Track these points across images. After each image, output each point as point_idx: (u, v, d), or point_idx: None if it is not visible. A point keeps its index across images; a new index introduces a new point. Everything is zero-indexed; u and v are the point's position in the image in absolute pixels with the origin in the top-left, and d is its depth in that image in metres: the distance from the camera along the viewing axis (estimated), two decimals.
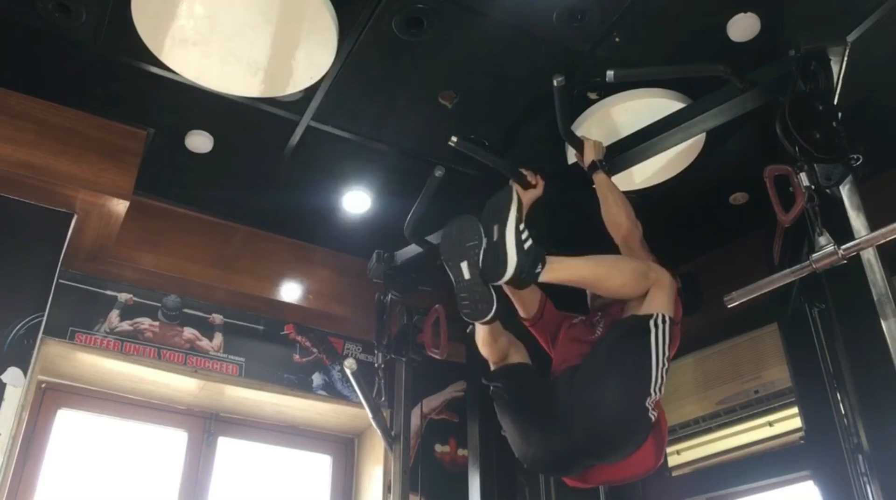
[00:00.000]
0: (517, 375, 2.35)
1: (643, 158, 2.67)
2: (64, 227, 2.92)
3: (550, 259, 2.07)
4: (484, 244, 2.04)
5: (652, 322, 2.14)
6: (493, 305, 2.03)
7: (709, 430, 3.59)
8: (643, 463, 2.20)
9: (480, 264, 2.02)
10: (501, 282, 2.02)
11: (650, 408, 2.12)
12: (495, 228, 2.05)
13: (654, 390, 2.12)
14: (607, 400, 2.10)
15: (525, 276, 2.02)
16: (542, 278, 2.06)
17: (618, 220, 2.43)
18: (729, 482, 3.45)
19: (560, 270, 2.11)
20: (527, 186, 2.67)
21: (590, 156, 2.57)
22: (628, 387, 2.11)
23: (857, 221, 1.88)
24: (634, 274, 2.21)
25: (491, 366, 2.41)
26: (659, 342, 2.13)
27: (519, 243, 2.03)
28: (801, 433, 3.17)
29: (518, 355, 2.41)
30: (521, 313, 2.50)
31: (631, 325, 2.18)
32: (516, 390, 2.32)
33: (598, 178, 2.53)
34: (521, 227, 2.07)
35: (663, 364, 2.14)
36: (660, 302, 2.19)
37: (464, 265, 2.07)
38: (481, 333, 2.35)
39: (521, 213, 2.07)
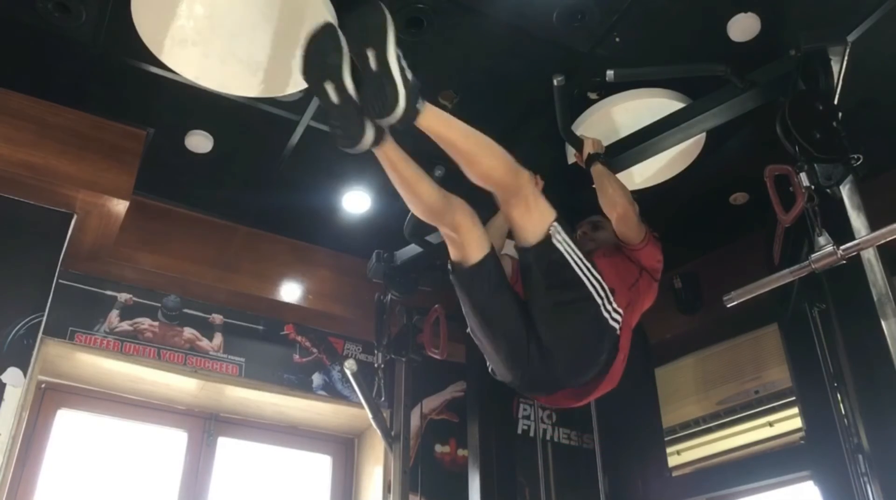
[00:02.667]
0: (482, 280, 2.09)
1: (643, 157, 2.66)
2: (64, 227, 2.92)
3: (428, 104, 1.89)
4: (346, 63, 1.82)
5: (553, 240, 2.01)
6: (365, 130, 1.83)
7: (709, 430, 3.60)
8: (613, 379, 2.20)
9: (358, 95, 1.82)
10: (392, 120, 1.82)
11: (608, 318, 2.07)
12: (370, 53, 1.81)
13: (599, 295, 2.04)
14: (564, 331, 2.05)
15: (411, 109, 1.82)
16: (420, 120, 1.87)
17: (614, 199, 2.37)
18: (729, 482, 3.45)
19: (436, 116, 1.92)
20: None
21: (588, 150, 2.56)
22: (574, 307, 2.05)
23: (858, 221, 1.88)
24: (506, 161, 2.02)
25: (450, 253, 2.14)
26: (570, 253, 2.03)
27: (403, 72, 1.83)
28: (801, 434, 3.17)
29: (476, 244, 2.09)
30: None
31: (537, 252, 2.03)
32: (483, 301, 2.10)
33: (596, 169, 2.49)
34: (400, 52, 1.84)
35: (590, 276, 2.04)
36: (542, 211, 2.04)
37: (329, 87, 1.83)
38: (403, 188, 2.05)
39: (395, 35, 1.84)
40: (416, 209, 2.11)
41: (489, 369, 2.23)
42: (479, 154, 2.00)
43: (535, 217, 2.04)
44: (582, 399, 2.30)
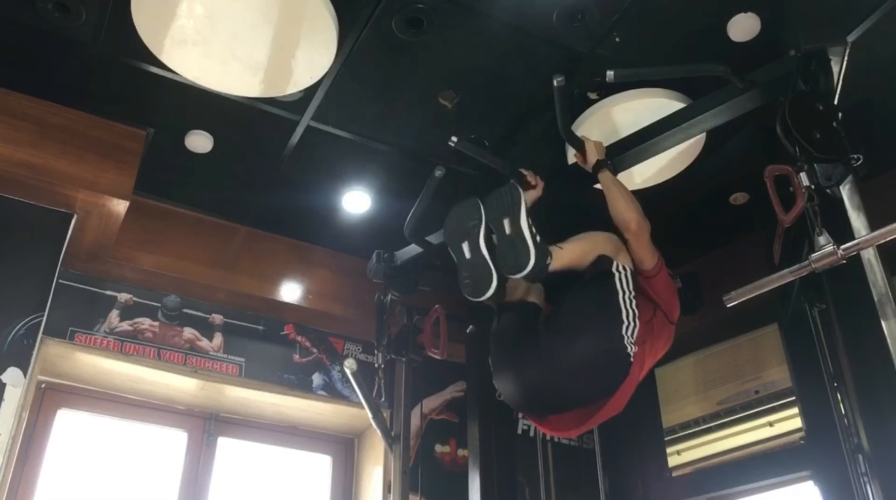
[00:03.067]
0: (521, 311, 2.43)
1: (643, 158, 2.66)
2: (64, 227, 2.92)
3: (552, 249, 2.21)
4: (482, 229, 2.20)
5: (614, 267, 2.29)
6: (492, 281, 2.18)
7: (709, 430, 3.59)
8: (618, 404, 2.29)
9: (490, 256, 2.19)
10: (522, 275, 2.14)
11: (627, 345, 2.20)
12: (506, 221, 2.18)
13: (626, 332, 2.21)
14: (579, 335, 2.23)
15: (541, 268, 2.15)
16: (551, 268, 2.19)
17: (626, 217, 2.42)
18: (729, 482, 3.45)
19: (559, 258, 2.24)
20: (527, 186, 2.66)
21: (594, 156, 2.56)
22: (599, 321, 2.23)
23: (858, 221, 1.88)
24: (610, 241, 2.37)
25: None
26: (623, 283, 2.27)
27: (533, 235, 2.18)
28: (801, 434, 3.17)
29: (534, 296, 2.48)
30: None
31: (595, 269, 2.31)
32: (510, 324, 2.42)
33: (604, 176, 2.52)
34: (530, 221, 2.21)
35: (631, 308, 2.24)
36: (623, 258, 2.34)
37: (465, 246, 2.22)
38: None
39: (527, 207, 2.21)
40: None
41: (497, 395, 2.35)
42: (592, 253, 2.34)
43: (615, 257, 2.36)
44: (587, 422, 2.35)
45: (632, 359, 2.21)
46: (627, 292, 2.26)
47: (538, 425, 2.48)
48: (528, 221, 2.20)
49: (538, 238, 2.19)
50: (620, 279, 2.27)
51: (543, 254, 2.18)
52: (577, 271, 2.39)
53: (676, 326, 2.57)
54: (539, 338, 2.28)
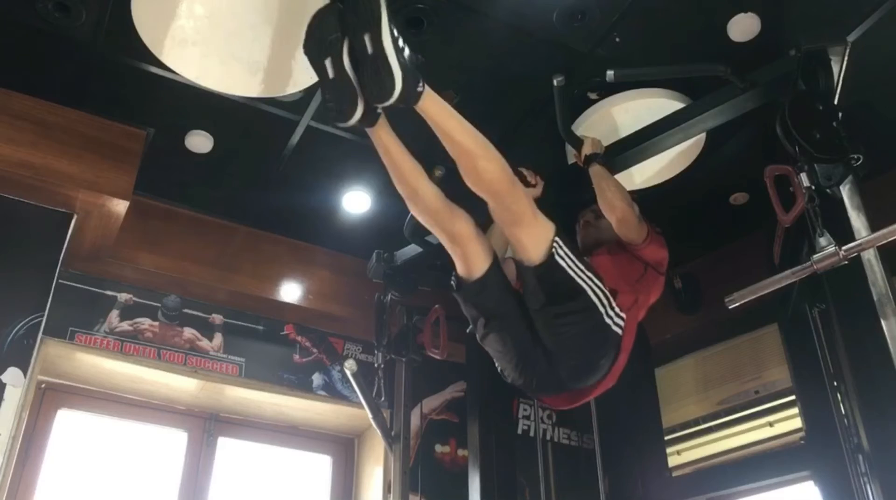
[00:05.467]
0: (488, 291, 2.11)
1: (643, 158, 2.66)
2: (64, 227, 2.92)
3: (427, 88, 1.89)
4: (346, 43, 1.83)
5: (556, 257, 2.00)
6: (357, 104, 1.84)
7: (709, 430, 3.60)
8: (613, 377, 2.23)
9: (356, 75, 1.83)
10: (391, 102, 1.83)
11: (611, 324, 2.10)
12: (366, 36, 1.81)
13: (601, 303, 2.07)
14: (567, 340, 2.07)
15: (410, 94, 1.84)
16: (419, 102, 1.88)
17: (612, 202, 2.38)
18: (729, 482, 3.45)
19: (436, 103, 1.92)
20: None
21: (587, 150, 2.55)
22: (576, 317, 2.06)
23: (858, 221, 1.88)
24: (502, 166, 2.00)
25: (456, 268, 2.15)
26: (572, 267, 2.03)
27: (399, 53, 1.83)
28: (801, 434, 3.18)
29: (479, 256, 2.10)
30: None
31: (539, 273, 2.02)
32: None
33: (594, 169, 2.49)
34: (396, 32, 1.84)
35: (592, 283, 2.05)
36: (542, 227, 2.02)
37: (327, 63, 1.85)
38: (405, 190, 2.08)
39: (390, 17, 1.84)
40: (414, 208, 2.11)
41: (499, 370, 2.25)
42: (477, 153, 1.98)
43: (535, 234, 2.02)
44: (583, 398, 2.32)
45: (621, 332, 2.14)
46: (576, 268, 2.03)
47: (539, 400, 2.41)
48: (392, 35, 1.82)
49: (406, 52, 1.85)
50: (566, 263, 2.02)
51: (413, 77, 1.84)
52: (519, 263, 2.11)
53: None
54: (539, 361, 2.12)
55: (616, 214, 2.37)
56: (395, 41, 1.83)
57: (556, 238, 2.02)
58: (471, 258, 2.09)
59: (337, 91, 1.85)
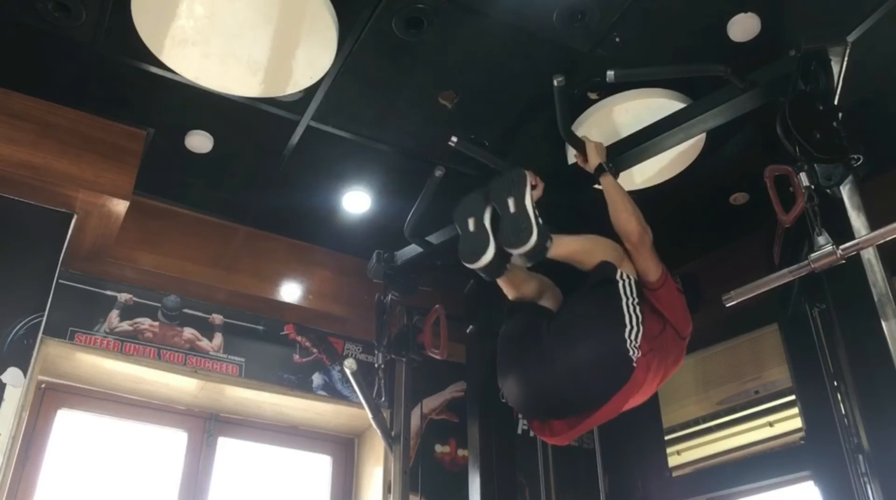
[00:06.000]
0: (531, 313, 2.45)
1: (644, 158, 2.66)
2: (64, 227, 2.92)
3: (553, 236, 2.27)
4: (488, 209, 2.33)
5: (618, 275, 2.31)
6: (488, 248, 2.28)
7: (709, 430, 3.59)
8: (611, 411, 2.29)
9: (493, 231, 2.28)
10: (523, 250, 2.21)
11: (630, 349, 2.20)
12: (510, 200, 2.26)
13: (629, 336, 2.22)
14: (582, 338, 2.25)
15: (541, 248, 2.22)
16: (550, 252, 2.26)
17: (628, 227, 2.38)
18: (729, 482, 3.45)
19: (559, 245, 2.30)
20: None
21: (595, 159, 2.53)
22: (601, 325, 2.26)
23: (858, 221, 1.88)
24: (613, 249, 2.37)
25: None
26: (626, 290, 2.28)
27: (536, 216, 2.26)
28: (801, 434, 3.17)
29: (548, 300, 2.51)
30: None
31: (598, 275, 2.33)
32: (517, 326, 2.45)
33: (606, 181, 2.48)
34: (534, 203, 2.29)
35: (635, 313, 2.27)
36: (627, 267, 2.35)
37: (470, 221, 2.33)
38: (502, 282, 2.49)
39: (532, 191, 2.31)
40: (511, 297, 2.52)
41: (500, 397, 2.37)
42: (593, 253, 2.38)
43: (620, 266, 2.36)
44: (579, 427, 2.35)
45: (635, 364, 2.19)
46: (631, 299, 2.28)
47: (539, 432, 2.47)
48: (532, 202, 2.28)
49: (541, 220, 2.27)
50: (624, 287, 2.29)
51: (545, 234, 2.24)
52: (580, 272, 2.39)
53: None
54: (543, 340, 2.29)
55: (632, 239, 2.38)
56: (534, 208, 2.28)
57: (630, 274, 2.34)
58: (531, 292, 2.53)
59: (472, 240, 2.32)
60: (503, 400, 2.53)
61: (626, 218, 2.39)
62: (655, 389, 2.41)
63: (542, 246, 2.22)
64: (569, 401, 2.27)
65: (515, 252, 2.25)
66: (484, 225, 2.32)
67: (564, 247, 2.32)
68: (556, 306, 2.51)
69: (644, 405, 3.64)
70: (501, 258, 2.32)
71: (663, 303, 2.40)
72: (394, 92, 2.79)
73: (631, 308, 2.26)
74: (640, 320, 2.26)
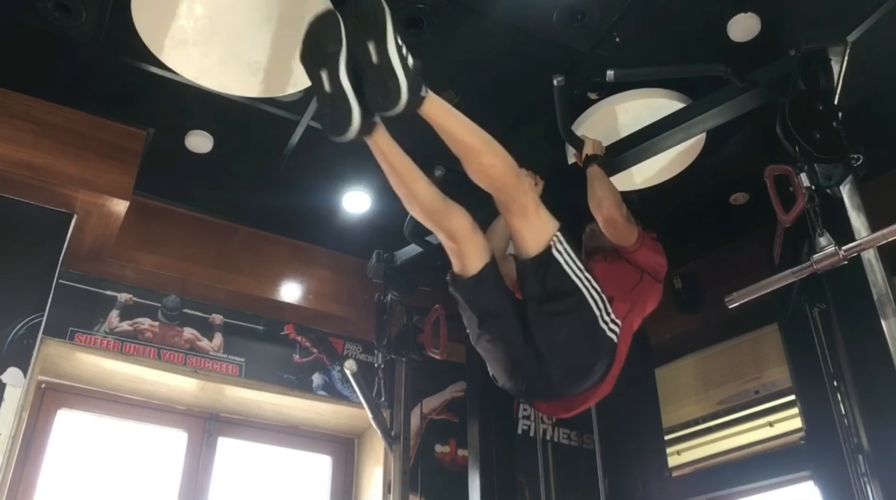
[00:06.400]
0: (482, 290, 2.08)
1: (643, 158, 2.66)
2: (64, 227, 2.92)
3: (430, 92, 1.87)
4: (343, 55, 1.81)
5: (553, 251, 1.99)
6: (353, 115, 1.81)
7: (709, 430, 3.60)
8: (608, 386, 2.19)
9: (353, 88, 1.82)
10: (395, 112, 1.80)
11: (606, 329, 2.06)
12: (371, 45, 1.78)
13: (597, 306, 2.04)
14: (560, 341, 2.03)
15: (414, 100, 1.82)
16: (423, 109, 1.86)
17: (600, 201, 2.32)
18: (729, 482, 3.45)
19: (439, 106, 1.92)
20: None
21: (587, 150, 2.53)
22: (571, 318, 2.03)
23: (858, 221, 1.88)
24: (507, 161, 2.01)
25: (451, 264, 2.12)
26: (570, 264, 2.01)
27: (404, 62, 1.81)
28: (801, 434, 3.17)
29: (476, 253, 2.06)
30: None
31: (535, 265, 2.02)
32: (483, 310, 2.09)
33: (592, 170, 2.46)
34: (399, 41, 1.82)
35: (590, 286, 2.03)
36: (543, 222, 2.02)
37: (324, 75, 1.81)
38: (401, 189, 2.05)
39: (395, 25, 1.81)
40: (412, 208, 2.10)
41: (490, 375, 2.23)
42: (481, 150, 1.99)
43: (536, 227, 2.02)
44: (578, 407, 2.29)
45: (616, 339, 2.11)
46: (574, 266, 2.01)
47: (537, 408, 2.37)
48: (396, 43, 1.80)
49: (410, 60, 1.83)
50: (564, 260, 2.00)
51: (417, 85, 1.82)
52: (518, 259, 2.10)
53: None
54: (529, 368, 2.08)
55: (602, 212, 2.32)
56: (399, 50, 1.81)
57: (557, 233, 2.01)
58: (467, 255, 2.06)
59: (332, 106, 1.83)
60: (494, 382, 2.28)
61: (599, 194, 2.32)
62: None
63: (414, 102, 1.81)
64: (567, 393, 2.23)
65: (384, 115, 1.86)
66: (341, 83, 1.82)
67: (445, 113, 1.95)
68: (503, 246, 2.29)
69: (644, 405, 3.69)
70: (369, 123, 1.88)
71: (640, 261, 2.36)
72: None
73: (582, 281, 2.02)
74: (599, 289, 2.06)
